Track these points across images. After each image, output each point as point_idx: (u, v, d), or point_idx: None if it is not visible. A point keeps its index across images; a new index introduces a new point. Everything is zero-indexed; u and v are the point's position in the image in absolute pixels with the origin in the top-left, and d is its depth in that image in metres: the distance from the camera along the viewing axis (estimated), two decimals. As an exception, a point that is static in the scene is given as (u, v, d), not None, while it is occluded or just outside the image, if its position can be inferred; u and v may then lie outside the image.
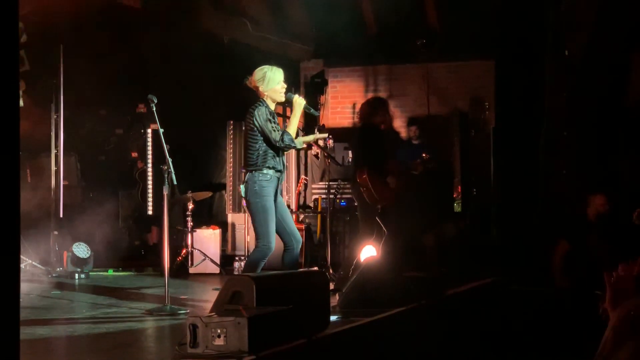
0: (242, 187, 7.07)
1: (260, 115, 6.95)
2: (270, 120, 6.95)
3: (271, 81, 7.05)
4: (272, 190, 6.98)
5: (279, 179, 7.06)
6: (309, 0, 11.98)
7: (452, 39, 12.24)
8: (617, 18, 10.66)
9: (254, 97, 7.18)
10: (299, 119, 7.21)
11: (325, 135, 8.15)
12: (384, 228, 9.09)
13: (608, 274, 3.24)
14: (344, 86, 13.64)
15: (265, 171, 6.96)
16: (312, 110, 7.46)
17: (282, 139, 6.93)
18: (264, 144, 6.98)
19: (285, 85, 7.16)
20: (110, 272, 10.54)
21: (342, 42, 11.82)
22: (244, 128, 7.34)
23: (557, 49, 11.04)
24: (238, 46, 11.58)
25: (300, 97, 7.18)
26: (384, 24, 12.39)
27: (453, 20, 12.16)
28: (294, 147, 7.22)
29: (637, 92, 11.04)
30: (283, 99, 7.17)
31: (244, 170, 7.28)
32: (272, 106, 7.11)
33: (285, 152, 7.23)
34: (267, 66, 7.12)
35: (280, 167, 7.06)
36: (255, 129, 6.97)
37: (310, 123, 12.24)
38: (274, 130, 6.94)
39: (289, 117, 7.33)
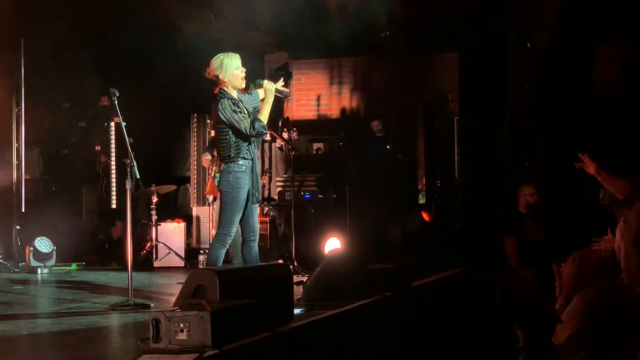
0: (216, 176, 7.06)
1: (224, 109, 6.90)
2: (235, 111, 6.92)
3: (229, 67, 7.01)
4: (246, 182, 6.99)
5: (252, 167, 7.05)
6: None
7: (416, 31, 12.26)
8: (580, 9, 10.74)
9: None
10: (271, 105, 7.15)
11: (280, 85, 7.31)
12: None
13: (557, 266, 3.28)
14: (309, 78, 13.63)
15: (240, 162, 6.96)
16: (284, 93, 7.35)
17: (252, 127, 6.91)
18: (234, 136, 6.96)
19: (245, 70, 7.12)
20: (74, 267, 10.45)
21: (307, 34, 11.80)
22: (210, 121, 7.22)
23: (521, 41, 11.11)
24: (201, 38, 11.50)
25: (270, 82, 7.12)
26: (348, 15, 12.37)
27: (417, 12, 12.18)
28: (265, 134, 7.19)
29: (601, 83, 11.14)
30: (243, 85, 7.13)
31: (218, 161, 7.20)
32: (234, 94, 7.08)
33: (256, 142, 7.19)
34: (222, 53, 7.08)
35: (250, 156, 7.04)
36: (223, 122, 6.95)
37: (273, 115, 12.20)
38: (243, 120, 6.92)
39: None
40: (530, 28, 11.07)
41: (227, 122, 6.91)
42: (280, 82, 7.31)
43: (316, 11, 11.85)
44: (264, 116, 7.02)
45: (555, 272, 3.24)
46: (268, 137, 10.94)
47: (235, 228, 7.01)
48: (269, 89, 7.09)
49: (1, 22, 9.97)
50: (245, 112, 7.03)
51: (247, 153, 6.99)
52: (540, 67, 11.06)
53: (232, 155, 6.95)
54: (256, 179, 7.10)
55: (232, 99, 6.98)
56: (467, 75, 12.02)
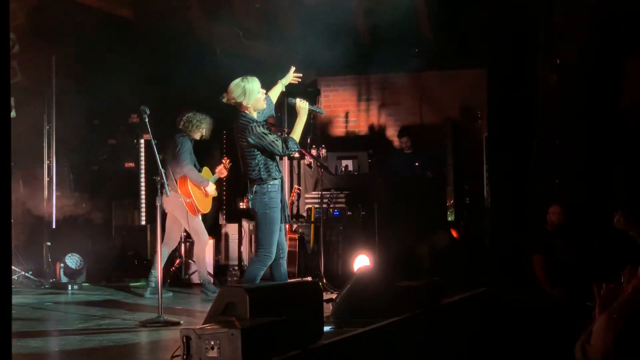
0: (249, 197, 7.04)
1: (254, 134, 6.90)
2: (265, 134, 6.92)
3: (252, 92, 6.99)
4: (279, 202, 7.00)
5: (281, 186, 7.07)
6: (301, 9, 11.98)
7: (444, 48, 12.25)
8: (608, 25, 10.69)
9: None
10: (304, 123, 7.16)
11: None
12: None
13: (597, 286, 3.25)
14: (337, 95, 13.65)
15: (272, 182, 6.97)
16: (318, 110, 7.33)
17: (286, 147, 6.93)
18: (263, 157, 6.97)
19: (265, 91, 7.13)
20: (104, 283, 10.50)
21: (335, 51, 11.82)
22: (238, 143, 7.18)
23: (549, 57, 11.06)
24: (230, 56, 11.56)
25: (303, 101, 7.13)
26: (376, 33, 12.39)
27: (445, 29, 12.17)
28: (298, 150, 7.22)
29: (630, 99, 11.08)
30: (265, 106, 7.16)
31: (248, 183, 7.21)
32: (255, 115, 7.09)
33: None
34: (240, 79, 7.05)
35: (280, 175, 7.07)
36: (252, 146, 6.95)
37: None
38: (275, 141, 6.92)
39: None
40: (558, 44, 11.02)
41: (258, 146, 6.90)
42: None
43: (344, 28, 11.88)
44: (297, 134, 7.03)
45: (595, 292, 3.21)
46: (297, 155, 10.95)
47: (275, 248, 7.00)
48: (303, 107, 7.10)
49: (33, 41, 10.06)
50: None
51: (276, 172, 7.01)
52: (569, 83, 11.01)
53: (263, 176, 6.94)
54: (284, 199, 7.12)
55: (257, 121, 6.99)
56: (495, 92, 11.98)
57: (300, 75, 7.61)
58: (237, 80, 7.05)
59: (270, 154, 6.96)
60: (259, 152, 6.94)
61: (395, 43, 12.14)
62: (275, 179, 6.99)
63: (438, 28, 12.32)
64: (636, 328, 2.95)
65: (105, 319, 7.25)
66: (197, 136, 9.24)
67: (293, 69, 7.49)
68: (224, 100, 7.11)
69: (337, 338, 5.76)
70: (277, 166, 7.05)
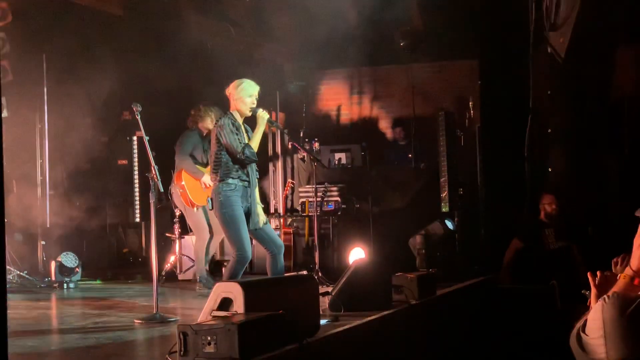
0: (208, 200, 7.16)
1: (223, 129, 7.07)
2: (232, 132, 7.06)
3: (243, 91, 7.18)
4: (238, 199, 7.06)
5: (246, 187, 7.10)
6: (292, 3, 11.95)
7: (435, 39, 12.25)
8: (599, 14, 10.70)
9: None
10: (262, 133, 7.25)
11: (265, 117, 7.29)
12: None
13: (592, 275, 3.26)
14: (329, 88, 13.65)
15: (229, 181, 7.05)
16: (275, 124, 7.47)
17: (242, 152, 7.01)
18: (224, 156, 7.09)
19: (255, 102, 7.22)
20: (99, 281, 10.50)
21: (326, 45, 11.81)
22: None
23: (540, 47, 11.07)
24: (221, 51, 11.55)
25: (264, 112, 7.23)
26: (367, 25, 12.38)
27: (436, 20, 12.17)
28: (255, 161, 7.23)
29: (621, 88, 11.10)
30: (249, 113, 7.26)
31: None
32: (240, 119, 7.23)
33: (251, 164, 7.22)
34: (247, 79, 7.24)
35: (245, 178, 7.10)
36: (218, 140, 7.09)
37: (294, 126, 12.21)
38: (235, 142, 7.04)
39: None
40: (549, 33, 11.03)
41: (221, 141, 7.04)
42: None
43: (335, 21, 11.86)
44: (255, 143, 7.13)
45: (590, 281, 3.23)
46: (301, 150, 10.90)
47: (249, 244, 7.07)
48: (262, 117, 7.17)
49: (23, 40, 10.04)
50: (246, 139, 7.13)
51: (240, 174, 7.06)
52: (561, 72, 11.02)
53: (220, 175, 7.09)
54: (253, 204, 7.12)
55: (233, 121, 7.10)
56: (487, 82, 11.97)
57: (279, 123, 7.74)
58: (244, 78, 7.25)
59: (232, 156, 7.02)
60: (223, 149, 7.08)
61: (386, 35, 12.14)
62: (234, 178, 7.05)
63: (429, 19, 12.32)
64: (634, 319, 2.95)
65: (101, 317, 7.24)
66: (206, 129, 9.16)
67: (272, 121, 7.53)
68: (226, 90, 7.27)
69: (333, 331, 5.78)
70: (243, 170, 7.11)
